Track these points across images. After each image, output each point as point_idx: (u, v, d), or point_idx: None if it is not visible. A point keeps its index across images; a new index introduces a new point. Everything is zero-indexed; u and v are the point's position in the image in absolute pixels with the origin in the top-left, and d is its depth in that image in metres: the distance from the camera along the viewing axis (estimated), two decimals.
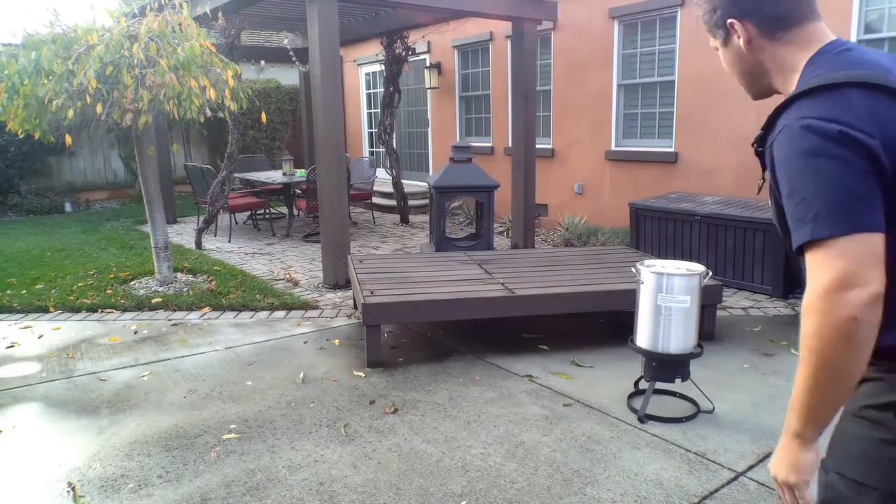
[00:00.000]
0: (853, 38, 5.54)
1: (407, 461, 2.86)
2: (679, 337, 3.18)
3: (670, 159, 7.09)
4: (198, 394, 3.62)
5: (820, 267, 1.06)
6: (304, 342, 4.45)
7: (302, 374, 3.86)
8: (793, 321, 4.69)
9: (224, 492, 2.64)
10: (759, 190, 1.45)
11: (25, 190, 10.89)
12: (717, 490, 2.60)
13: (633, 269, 3.30)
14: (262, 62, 13.42)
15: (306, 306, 5.24)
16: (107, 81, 4.47)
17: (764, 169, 1.25)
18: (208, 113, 4.85)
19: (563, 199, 8.41)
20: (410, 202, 9.67)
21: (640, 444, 2.99)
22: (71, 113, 4.42)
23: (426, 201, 9.14)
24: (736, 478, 2.69)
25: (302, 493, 2.63)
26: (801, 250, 1.09)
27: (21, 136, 4.98)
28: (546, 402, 3.42)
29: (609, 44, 7.66)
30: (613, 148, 7.76)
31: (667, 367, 3.25)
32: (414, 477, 2.74)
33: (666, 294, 3.13)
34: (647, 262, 3.33)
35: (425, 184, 8.67)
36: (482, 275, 4.60)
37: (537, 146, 7.54)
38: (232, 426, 3.21)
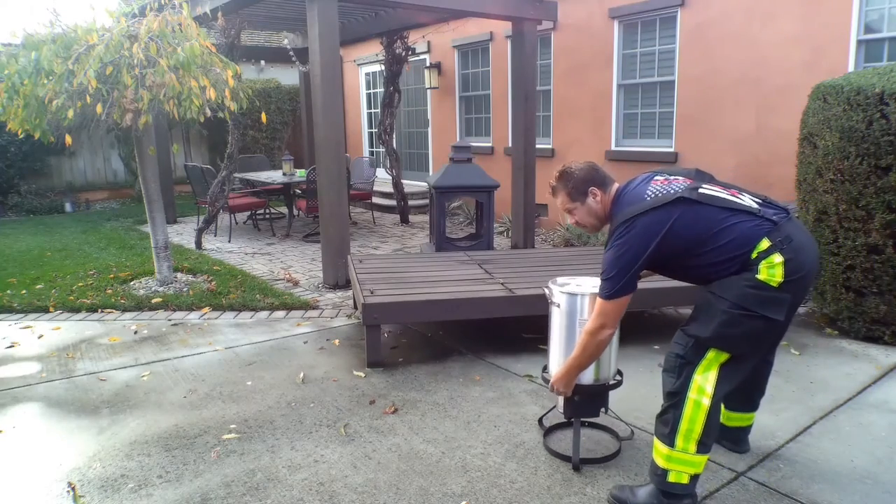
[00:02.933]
0: (853, 38, 5.55)
1: (407, 461, 2.86)
2: (606, 363, 2.77)
3: (670, 159, 7.09)
4: (198, 394, 3.62)
5: (599, 312, 2.46)
6: (304, 342, 4.45)
7: (302, 374, 3.86)
8: (793, 321, 4.68)
9: (224, 492, 2.64)
10: None
11: (25, 190, 10.89)
12: (717, 490, 2.60)
13: (545, 290, 2.90)
14: (262, 62, 13.42)
15: (306, 306, 5.24)
16: (107, 81, 4.47)
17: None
18: (208, 113, 4.85)
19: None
20: (410, 202, 9.67)
21: (640, 444, 2.99)
22: (71, 113, 4.42)
23: (426, 201, 9.15)
24: (736, 478, 2.69)
25: (302, 493, 2.63)
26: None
27: (21, 136, 4.98)
28: (546, 402, 3.42)
29: (609, 44, 7.66)
30: (613, 148, 7.76)
31: (591, 399, 2.84)
32: (414, 477, 2.74)
33: (583, 317, 2.71)
34: (560, 279, 2.95)
35: (425, 184, 8.67)
36: (482, 275, 4.60)
37: (537, 146, 7.54)
38: (232, 426, 3.21)
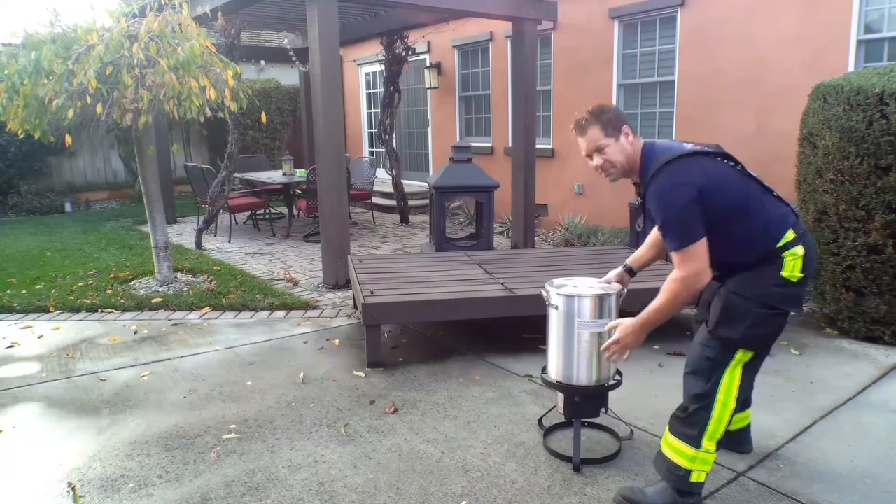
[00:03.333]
0: (853, 38, 5.55)
1: (407, 461, 2.86)
2: (605, 364, 2.74)
3: None
4: (198, 394, 3.62)
5: (684, 261, 2.22)
6: (304, 342, 4.45)
7: (302, 374, 3.86)
8: (793, 321, 4.69)
9: (224, 492, 2.64)
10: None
11: (25, 190, 10.89)
12: (717, 490, 2.60)
13: (543, 292, 2.85)
14: (262, 62, 13.42)
15: (306, 306, 5.24)
16: (107, 81, 4.47)
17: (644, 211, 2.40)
18: (208, 113, 4.85)
19: (563, 199, 8.42)
20: (410, 202, 9.67)
21: (640, 444, 2.99)
22: (71, 113, 4.42)
23: (426, 201, 9.14)
24: (736, 478, 2.69)
25: (302, 493, 2.63)
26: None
27: (21, 136, 4.98)
28: (546, 402, 3.42)
29: (609, 44, 7.66)
30: None
31: (591, 399, 2.82)
32: (414, 477, 2.74)
33: (581, 318, 2.70)
34: (557, 281, 2.89)
35: (425, 184, 8.67)
36: (482, 275, 4.60)
37: (537, 146, 7.54)
38: (232, 426, 3.21)
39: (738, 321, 2.29)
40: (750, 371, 2.40)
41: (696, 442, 2.35)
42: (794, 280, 2.26)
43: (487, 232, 6.31)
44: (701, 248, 2.19)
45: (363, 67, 12.53)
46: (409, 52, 8.87)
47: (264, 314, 5.09)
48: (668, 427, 2.46)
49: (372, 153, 12.50)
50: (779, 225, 2.29)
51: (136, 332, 4.68)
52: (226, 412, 3.38)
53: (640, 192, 2.38)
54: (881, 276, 4.06)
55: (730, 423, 2.40)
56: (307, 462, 2.87)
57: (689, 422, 2.37)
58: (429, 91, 10.70)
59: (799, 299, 2.32)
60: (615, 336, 2.43)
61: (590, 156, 2.42)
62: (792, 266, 2.26)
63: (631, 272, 2.82)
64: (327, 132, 5.62)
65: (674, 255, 2.22)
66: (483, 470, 2.79)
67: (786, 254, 2.26)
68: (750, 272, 2.30)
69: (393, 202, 9.71)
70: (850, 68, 5.56)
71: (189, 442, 3.06)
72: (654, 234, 2.72)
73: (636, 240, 6.34)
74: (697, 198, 2.18)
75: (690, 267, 2.20)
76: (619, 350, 2.44)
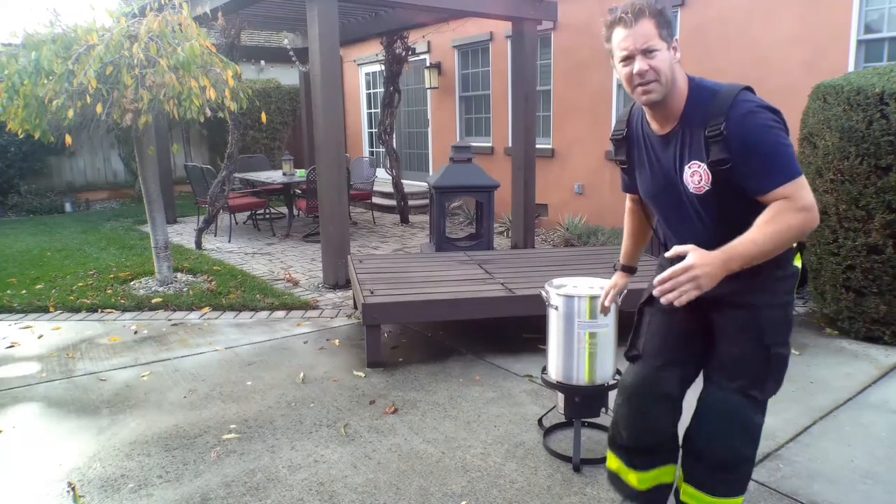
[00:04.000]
0: (853, 38, 5.55)
1: (407, 461, 2.86)
2: (607, 364, 2.77)
3: None
4: (198, 394, 3.62)
5: (804, 189, 1.75)
6: (304, 342, 4.45)
7: (302, 374, 3.86)
8: (793, 320, 4.69)
9: (224, 492, 2.64)
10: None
11: (25, 190, 10.89)
12: None
13: (542, 293, 2.84)
14: (262, 62, 13.41)
15: (306, 306, 5.24)
16: (107, 81, 4.47)
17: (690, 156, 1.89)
18: (208, 113, 4.85)
19: (563, 199, 8.42)
20: (410, 202, 9.67)
21: None
22: (71, 113, 4.42)
23: (426, 201, 9.14)
24: None
25: (302, 493, 2.63)
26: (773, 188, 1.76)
27: (21, 136, 4.98)
28: (546, 402, 3.42)
29: None
30: None
31: (591, 400, 2.82)
32: (414, 477, 2.74)
33: (581, 319, 2.69)
34: (557, 281, 2.88)
35: (425, 184, 8.67)
36: (482, 275, 4.60)
37: (537, 146, 7.54)
38: (232, 426, 3.21)
39: (777, 372, 2.03)
40: None
41: (742, 488, 2.09)
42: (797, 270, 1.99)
43: (487, 232, 6.31)
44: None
45: (363, 67, 12.53)
46: (409, 52, 8.87)
47: (264, 314, 5.09)
48: (702, 489, 2.06)
49: (372, 153, 12.50)
50: None
51: (136, 332, 4.68)
52: (226, 412, 3.38)
53: (680, 131, 1.87)
54: (881, 276, 4.06)
55: None
56: (307, 462, 2.87)
57: (732, 481, 2.05)
58: (429, 91, 10.70)
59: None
60: (688, 261, 1.69)
61: (631, 56, 1.81)
62: (798, 265, 2.00)
63: (630, 270, 2.47)
64: (327, 132, 5.62)
65: (787, 188, 1.72)
66: (483, 470, 2.79)
67: (797, 257, 2.01)
68: (779, 268, 1.92)
69: (393, 202, 9.71)
70: (850, 68, 5.56)
71: (189, 442, 3.06)
72: (633, 223, 2.40)
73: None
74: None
75: (811, 198, 1.74)
76: (688, 284, 1.68)
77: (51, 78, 4.41)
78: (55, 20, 4.64)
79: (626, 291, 2.50)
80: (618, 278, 2.47)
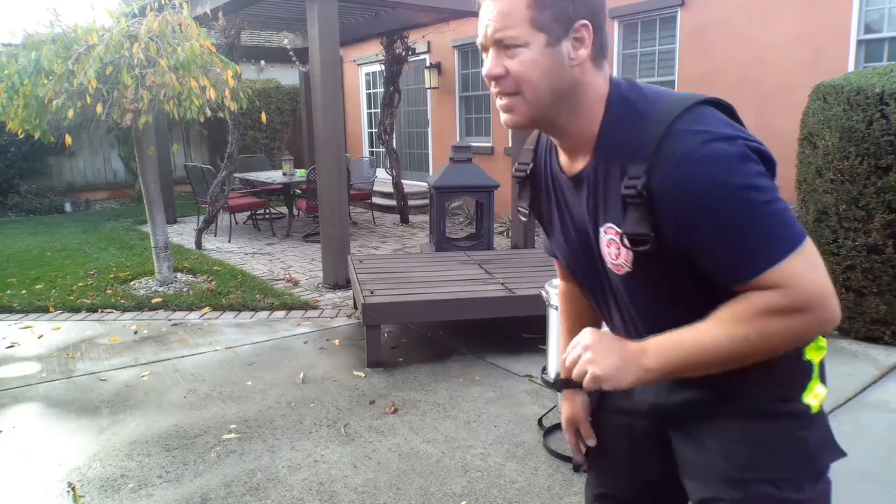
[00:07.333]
0: (853, 38, 5.55)
1: (407, 461, 2.86)
2: None
3: None
4: (198, 394, 3.62)
5: (808, 270, 0.99)
6: (304, 342, 4.45)
7: (302, 374, 3.86)
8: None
9: (224, 492, 2.64)
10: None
11: (25, 190, 10.89)
12: None
13: (542, 293, 2.79)
14: (262, 62, 13.41)
15: (306, 306, 5.24)
16: (107, 81, 4.47)
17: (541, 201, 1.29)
18: (208, 113, 4.85)
19: None
20: (410, 202, 9.66)
21: None
22: (71, 113, 4.42)
23: (426, 201, 9.13)
24: None
25: (302, 493, 2.63)
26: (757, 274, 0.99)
27: (21, 136, 4.98)
28: (546, 401, 3.42)
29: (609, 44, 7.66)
30: None
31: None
32: (414, 477, 2.74)
33: None
34: (556, 281, 2.81)
35: (425, 184, 8.66)
36: (482, 275, 4.60)
37: None
38: (232, 426, 3.21)
39: (786, 484, 1.14)
40: None
41: None
42: (819, 408, 1.22)
43: (487, 232, 6.30)
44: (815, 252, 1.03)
45: (363, 67, 12.53)
46: (409, 52, 8.87)
47: (264, 314, 5.08)
48: None
49: (372, 153, 12.50)
50: None
51: (136, 332, 4.68)
52: (226, 412, 3.38)
53: (594, 172, 1.13)
54: (881, 276, 4.06)
55: None
56: (307, 462, 2.87)
57: None
58: (429, 91, 10.70)
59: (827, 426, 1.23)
60: (580, 337, 1.15)
61: (484, 47, 1.11)
62: (816, 373, 1.24)
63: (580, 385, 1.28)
64: (327, 132, 5.62)
65: (775, 274, 0.99)
66: (483, 470, 2.79)
67: (808, 348, 1.27)
68: (775, 360, 1.11)
69: (393, 202, 9.71)
70: (850, 68, 5.56)
71: (189, 442, 3.06)
72: (571, 310, 1.54)
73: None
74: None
75: (819, 284, 1.01)
76: (582, 364, 1.12)
77: (51, 78, 4.41)
78: (55, 20, 4.64)
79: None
80: (568, 405, 1.45)
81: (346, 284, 5.74)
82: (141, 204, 6.56)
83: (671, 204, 1.01)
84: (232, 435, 3.12)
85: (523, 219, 1.40)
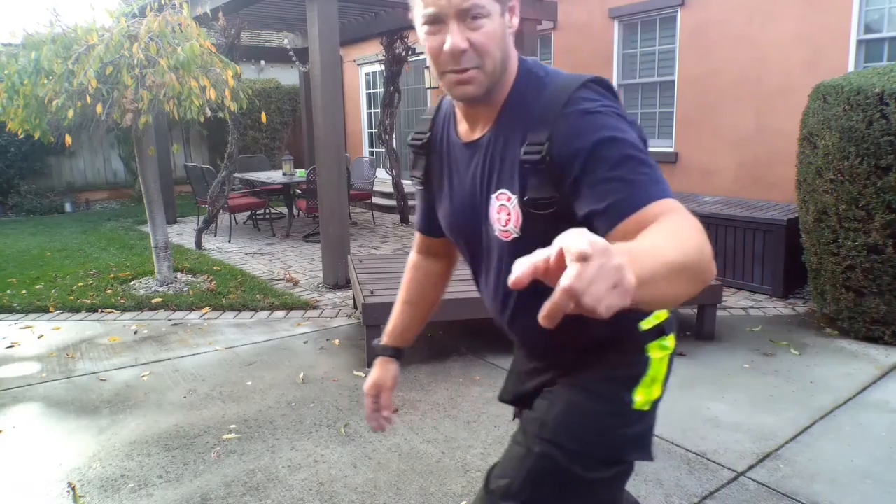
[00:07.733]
0: (853, 38, 5.55)
1: (407, 461, 2.86)
2: None
3: (670, 159, 7.09)
4: (198, 394, 3.62)
5: (687, 215, 0.97)
6: (304, 342, 4.45)
7: (302, 375, 3.86)
8: (793, 321, 4.69)
9: (224, 492, 2.64)
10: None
11: (25, 190, 10.89)
12: (717, 490, 2.60)
13: None
14: (262, 62, 13.41)
15: (306, 306, 5.24)
16: (107, 81, 4.47)
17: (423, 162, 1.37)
18: (208, 113, 4.85)
19: None
20: (410, 202, 9.66)
21: None
22: (71, 113, 4.42)
23: None
24: (736, 478, 2.69)
25: (302, 493, 2.63)
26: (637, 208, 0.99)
27: (21, 136, 4.98)
28: None
29: (609, 44, 7.66)
30: None
31: None
32: (414, 477, 2.74)
33: None
34: None
35: None
36: None
37: None
38: (232, 426, 3.21)
39: (571, 455, 1.25)
40: None
41: None
42: (648, 407, 1.28)
43: None
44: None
45: (363, 67, 12.54)
46: (409, 52, 8.87)
47: (264, 314, 5.08)
48: None
49: (372, 153, 12.50)
50: None
51: (136, 332, 4.68)
52: (226, 412, 3.38)
53: (493, 138, 1.21)
54: (881, 276, 4.06)
55: None
56: (307, 462, 2.87)
57: None
58: (429, 91, 10.70)
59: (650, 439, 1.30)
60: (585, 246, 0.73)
61: (440, 19, 1.11)
62: (655, 372, 1.28)
63: (399, 355, 1.74)
64: (327, 132, 5.62)
65: (668, 202, 1.00)
66: (483, 470, 2.78)
67: (651, 345, 1.29)
68: (617, 348, 1.29)
69: (393, 202, 9.71)
70: (850, 68, 5.57)
71: (189, 442, 3.06)
72: (415, 282, 1.67)
73: None
74: None
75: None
76: (603, 281, 0.71)
77: (51, 78, 4.41)
78: (55, 20, 4.64)
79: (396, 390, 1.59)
80: (378, 371, 1.63)
81: (346, 284, 5.74)
82: (141, 204, 6.56)
83: (571, 153, 1.07)
84: (232, 435, 3.12)
85: (418, 187, 1.46)
